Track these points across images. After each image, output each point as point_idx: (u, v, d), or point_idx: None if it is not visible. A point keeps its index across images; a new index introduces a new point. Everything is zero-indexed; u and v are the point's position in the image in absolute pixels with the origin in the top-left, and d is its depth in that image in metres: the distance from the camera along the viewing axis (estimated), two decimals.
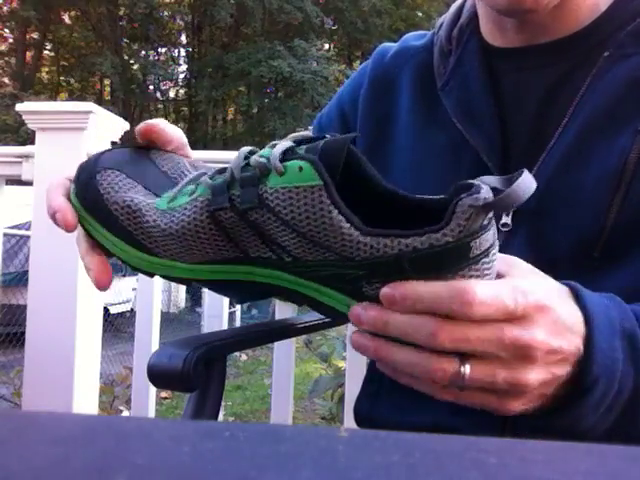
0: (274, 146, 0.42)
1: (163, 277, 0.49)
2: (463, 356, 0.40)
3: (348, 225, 0.39)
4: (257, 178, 0.41)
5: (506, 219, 0.59)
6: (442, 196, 0.41)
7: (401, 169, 0.68)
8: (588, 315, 0.43)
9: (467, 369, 0.39)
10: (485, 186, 0.38)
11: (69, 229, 0.49)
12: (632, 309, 0.46)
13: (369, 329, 0.41)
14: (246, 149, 0.45)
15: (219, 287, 0.51)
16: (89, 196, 0.48)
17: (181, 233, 0.45)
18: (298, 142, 0.43)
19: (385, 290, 0.40)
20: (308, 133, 0.45)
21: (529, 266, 0.45)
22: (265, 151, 0.43)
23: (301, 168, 0.39)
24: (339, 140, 0.40)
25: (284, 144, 0.42)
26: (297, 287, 0.44)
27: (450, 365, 0.39)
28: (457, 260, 0.38)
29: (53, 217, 0.49)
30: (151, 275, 0.50)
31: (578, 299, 0.44)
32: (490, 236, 0.39)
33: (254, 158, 0.42)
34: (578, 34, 0.61)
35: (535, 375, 0.41)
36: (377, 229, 0.39)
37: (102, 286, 0.49)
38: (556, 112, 0.60)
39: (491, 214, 0.38)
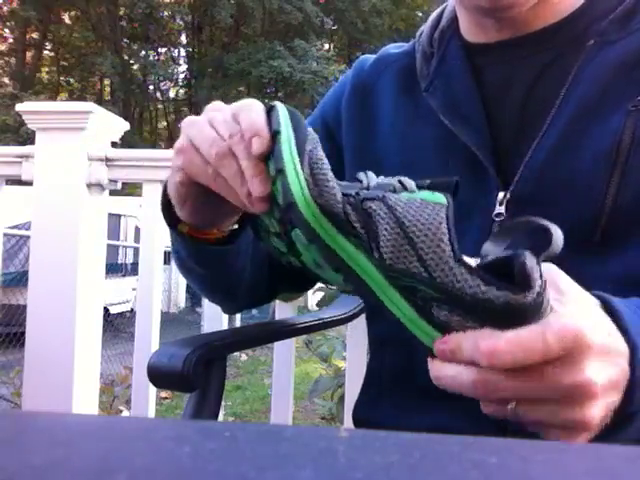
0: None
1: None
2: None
3: (450, 247, 0.40)
4: (387, 190, 0.44)
5: (500, 209, 0.59)
6: (507, 253, 0.41)
7: (391, 170, 0.68)
8: (627, 332, 0.41)
9: (520, 412, 0.39)
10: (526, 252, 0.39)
11: (259, 152, 0.44)
12: None
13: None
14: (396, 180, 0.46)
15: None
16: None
17: None
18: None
19: (439, 347, 0.40)
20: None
21: (573, 288, 0.42)
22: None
23: (433, 192, 0.43)
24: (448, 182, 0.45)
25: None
26: (372, 283, 0.44)
27: (501, 409, 0.40)
28: (532, 316, 0.38)
29: (249, 140, 0.45)
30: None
31: (612, 313, 0.42)
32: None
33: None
34: (558, 24, 0.62)
35: (597, 411, 0.39)
36: (468, 265, 0.40)
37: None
38: (543, 101, 0.60)
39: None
